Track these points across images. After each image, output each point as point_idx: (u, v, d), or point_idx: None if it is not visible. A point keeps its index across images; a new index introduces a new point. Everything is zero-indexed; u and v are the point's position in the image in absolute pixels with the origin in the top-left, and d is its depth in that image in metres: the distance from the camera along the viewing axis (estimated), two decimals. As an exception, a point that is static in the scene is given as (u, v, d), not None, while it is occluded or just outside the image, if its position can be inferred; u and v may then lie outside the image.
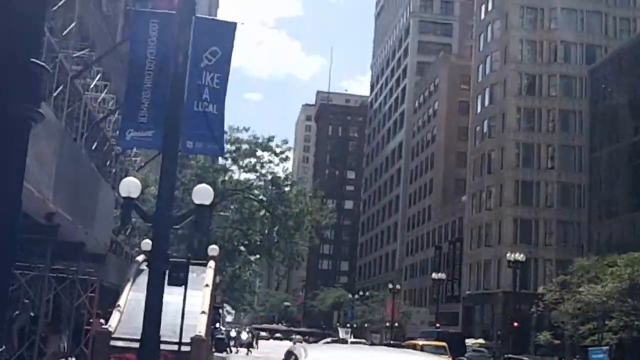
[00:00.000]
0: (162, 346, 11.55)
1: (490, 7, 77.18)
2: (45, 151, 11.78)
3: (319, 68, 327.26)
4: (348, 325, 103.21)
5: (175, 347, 15.30)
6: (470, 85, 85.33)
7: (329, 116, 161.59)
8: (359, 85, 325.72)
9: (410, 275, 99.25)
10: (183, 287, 16.61)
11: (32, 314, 18.23)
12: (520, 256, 48.51)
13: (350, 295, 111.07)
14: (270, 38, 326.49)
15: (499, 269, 68.71)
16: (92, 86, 30.75)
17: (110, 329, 17.10)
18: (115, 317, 17.79)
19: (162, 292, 11.15)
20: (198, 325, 17.20)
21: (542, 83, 70.56)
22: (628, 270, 34.68)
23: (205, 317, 17.87)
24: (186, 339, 16.09)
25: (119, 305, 18.10)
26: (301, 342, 61.75)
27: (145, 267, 20.97)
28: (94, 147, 30.30)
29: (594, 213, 55.27)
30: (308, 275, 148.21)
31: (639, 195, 50.95)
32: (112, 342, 16.62)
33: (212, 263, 21.45)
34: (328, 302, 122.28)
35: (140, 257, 20.57)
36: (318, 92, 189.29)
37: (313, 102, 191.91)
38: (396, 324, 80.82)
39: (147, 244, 21.33)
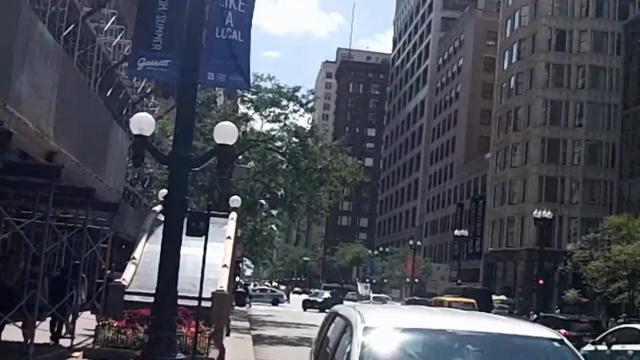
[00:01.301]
0: (180, 301, 10.35)
1: (521, -40, 74.25)
2: (42, 80, 10.48)
3: (336, 26, 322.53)
4: (367, 280, 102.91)
5: (195, 303, 14.11)
6: (496, 41, 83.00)
7: (350, 73, 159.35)
8: (378, 44, 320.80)
9: (431, 232, 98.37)
10: (203, 238, 15.49)
11: (57, 272, 17.28)
12: (547, 213, 47.00)
13: (369, 251, 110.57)
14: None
15: (522, 227, 67.53)
16: (106, 29, 29.48)
17: (124, 282, 16.02)
18: (129, 270, 16.73)
19: (180, 242, 9.97)
20: (220, 280, 16.10)
21: (573, 38, 68.07)
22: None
23: (227, 271, 16.77)
24: (207, 293, 14.96)
25: (134, 258, 17.02)
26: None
27: (163, 218, 19.88)
28: (108, 94, 29.14)
29: (624, 171, 53.42)
30: (327, 231, 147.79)
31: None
32: (127, 297, 15.57)
33: (233, 214, 20.27)
34: (347, 258, 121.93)
35: (158, 207, 19.40)
36: (339, 49, 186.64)
37: (333, 60, 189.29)
38: (416, 280, 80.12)
39: (164, 193, 20.18)
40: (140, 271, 16.44)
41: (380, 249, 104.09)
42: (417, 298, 43.19)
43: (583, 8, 68.26)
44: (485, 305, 35.17)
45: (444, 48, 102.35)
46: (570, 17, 68.35)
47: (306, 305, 55.06)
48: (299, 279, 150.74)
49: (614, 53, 66.02)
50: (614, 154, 63.51)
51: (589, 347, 18.90)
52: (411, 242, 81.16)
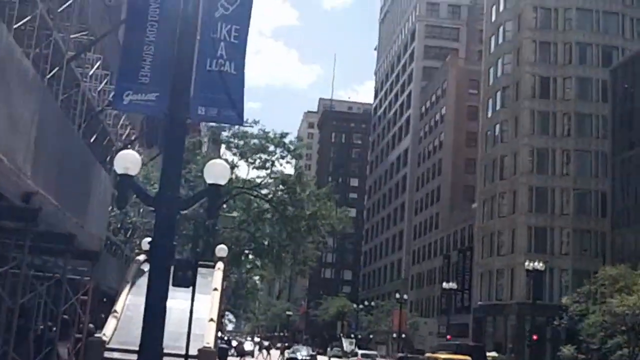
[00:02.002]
0: (165, 359, 9.25)
1: (502, 8, 74.98)
2: (20, 112, 9.48)
3: (315, 77, 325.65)
4: (352, 335, 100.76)
5: (180, 360, 12.96)
6: (478, 89, 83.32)
7: (332, 123, 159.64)
8: (357, 95, 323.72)
9: (417, 285, 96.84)
10: (190, 289, 14.40)
11: (49, 323, 16.06)
12: (539, 265, 46.08)
13: (354, 305, 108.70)
14: (267, 48, 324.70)
15: (512, 279, 66.38)
16: (91, 74, 28.65)
17: (104, 337, 14.80)
18: (110, 324, 15.50)
19: (166, 293, 8.91)
20: (205, 335, 14.91)
21: (557, 85, 68.20)
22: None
23: (213, 326, 15.59)
24: (192, 350, 13.81)
25: (115, 311, 15.80)
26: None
27: (147, 269, 18.73)
28: (92, 139, 28.15)
29: (616, 221, 52.72)
30: (310, 284, 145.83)
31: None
32: (107, 354, 14.34)
33: (220, 264, 19.13)
34: (331, 312, 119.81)
35: (141, 257, 18.28)
36: (320, 100, 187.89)
37: (315, 110, 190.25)
38: (403, 335, 78.32)
39: (148, 241, 19.08)
40: (122, 325, 15.24)
41: (365, 302, 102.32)
42: (410, 355, 41.68)
43: (566, 55, 68.48)
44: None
45: (426, 97, 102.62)
46: (553, 64, 68.50)
47: None
48: (282, 334, 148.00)
49: (599, 100, 65.98)
50: (603, 202, 62.81)
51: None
52: (397, 295, 79.55)
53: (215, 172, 8.95)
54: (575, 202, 66.03)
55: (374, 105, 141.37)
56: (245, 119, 33.02)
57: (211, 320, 15.61)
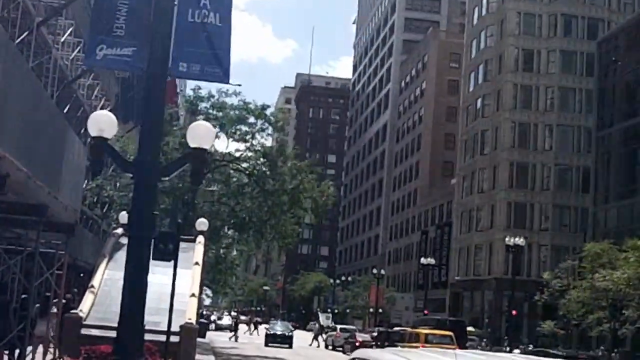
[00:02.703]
0: (145, 335, 8.51)
1: (485, -21, 73.92)
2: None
3: (291, 52, 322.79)
4: (329, 310, 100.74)
5: (160, 337, 12.19)
6: (460, 63, 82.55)
7: (309, 98, 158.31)
8: (332, 70, 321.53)
9: (394, 260, 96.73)
10: (169, 263, 13.67)
11: (23, 296, 15.25)
12: (520, 240, 45.77)
13: (331, 281, 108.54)
14: (241, 21, 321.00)
15: (490, 255, 66.27)
16: (62, 40, 27.50)
17: (81, 314, 14.00)
18: (87, 300, 14.70)
19: (147, 266, 8.15)
20: (187, 311, 14.17)
21: (541, 59, 67.25)
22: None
23: (195, 301, 14.85)
24: (174, 326, 13.07)
25: (92, 286, 14.99)
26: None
27: (124, 242, 17.88)
28: (65, 110, 27.09)
29: (599, 196, 52.38)
30: (287, 260, 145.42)
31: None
32: (84, 331, 13.55)
33: (201, 238, 18.34)
34: (308, 287, 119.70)
35: (119, 230, 17.44)
36: (298, 75, 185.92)
37: (292, 85, 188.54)
38: (380, 310, 78.22)
39: (125, 216, 18.23)
40: (99, 301, 14.44)
41: (342, 278, 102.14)
42: (390, 330, 41.12)
43: (551, 27, 67.40)
44: (460, 338, 33.51)
45: (406, 71, 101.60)
46: (537, 36, 67.46)
47: (269, 340, 47.03)
48: (258, 308, 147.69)
49: (583, 74, 65.05)
50: (585, 178, 62.24)
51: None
52: (374, 270, 79.31)
53: (199, 134, 8.12)
54: (556, 177, 65.70)
55: (352, 80, 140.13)
56: (225, 90, 32.07)
57: (192, 295, 14.86)
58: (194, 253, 17.15)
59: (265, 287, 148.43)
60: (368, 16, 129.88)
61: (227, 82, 8.64)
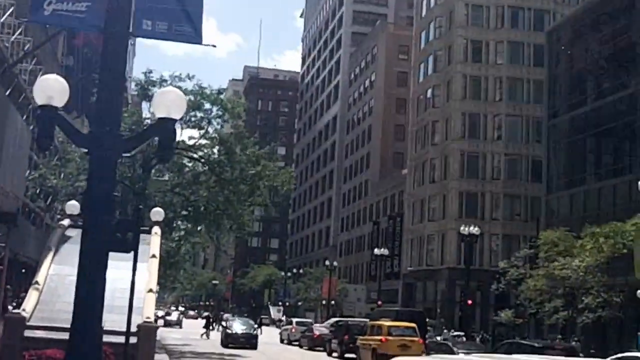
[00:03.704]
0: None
1: (434, -29, 73.90)
2: None
3: (235, 46, 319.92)
4: (280, 303, 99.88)
5: (115, 339, 10.98)
6: (408, 55, 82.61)
7: (258, 90, 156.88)
8: (277, 64, 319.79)
9: (346, 251, 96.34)
10: (123, 255, 12.54)
11: None
12: (474, 229, 45.49)
13: (282, 273, 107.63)
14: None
15: (442, 244, 66.33)
16: (2, 21, 25.79)
17: (24, 314, 12.67)
18: (31, 297, 13.36)
19: (105, 256, 7.03)
20: (145, 308, 12.99)
21: (489, 50, 67.80)
22: (610, 241, 32.02)
23: (153, 297, 13.68)
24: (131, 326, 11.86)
25: (36, 282, 13.65)
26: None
27: (72, 234, 16.52)
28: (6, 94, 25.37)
29: (551, 184, 52.70)
30: (237, 253, 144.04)
31: (602, 164, 48.64)
32: (27, 332, 12.23)
33: (157, 229, 17.11)
34: (259, 280, 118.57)
35: (66, 222, 16.07)
36: (246, 67, 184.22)
37: (240, 77, 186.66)
38: (332, 302, 77.66)
39: (73, 206, 16.88)
40: (44, 298, 13.14)
41: (294, 270, 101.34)
42: (350, 322, 40.25)
43: (498, 19, 67.91)
44: (420, 329, 32.93)
45: (355, 63, 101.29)
46: (485, 28, 67.89)
47: (228, 340, 40.79)
48: (207, 303, 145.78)
49: (531, 64, 65.96)
50: (534, 168, 62.96)
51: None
52: (327, 262, 78.72)
53: (167, 102, 7.00)
54: (506, 167, 66.20)
55: (301, 73, 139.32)
56: (178, 74, 30.69)
57: (150, 291, 13.68)
58: (149, 245, 15.91)
59: (215, 281, 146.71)
60: (316, 9, 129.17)
61: (200, 43, 7.54)
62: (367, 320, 38.79)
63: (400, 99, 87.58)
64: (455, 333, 45.69)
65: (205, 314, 74.79)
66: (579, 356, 21.02)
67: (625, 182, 43.74)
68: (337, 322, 45.24)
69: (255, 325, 46.14)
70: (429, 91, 72.06)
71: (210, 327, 53.84)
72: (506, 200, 65.67)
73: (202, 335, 50.77)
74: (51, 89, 6.81)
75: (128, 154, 7.48)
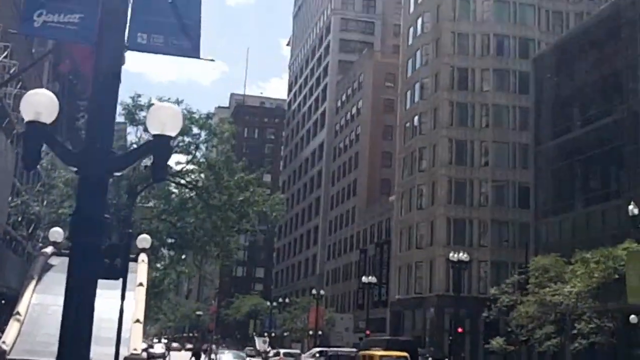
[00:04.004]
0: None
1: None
2: None
3: (220, 74, 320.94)
4: (265, 334, 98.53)
5: (102, 371, 10.44)
6: (395, 82, 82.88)
7: (244, 118, 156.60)
8: (262, 92, 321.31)
9: (333, 280, 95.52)
10: (108, 283, 12.03)
11: None
12: (463, 256, 45.18)
13: (268, 303, 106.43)
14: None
15: (431, 272, 65.83)
16: (-16, 45, 25.36)
17: (4, 346, 12.06)
18: (12, 329, 12.74)
19: (94, 283, 6.56)
20: (132, 340, 12.41)
21: (475, 77, 68.12)
22: (601, 266, 31.74)
23: (140, 328, 13.11)
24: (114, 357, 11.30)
25: (17, 313, 13.04)
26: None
27: (55, 263, 15.94)
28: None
29: (539, 210, 52.60)
30: (221, 283, 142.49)
31: (590, 189, 48.65)
32: (8, 366, 11.64)
33: (144, 256, 16.55)
34: (244, 311, 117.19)
35: (49, 249, 15.50)
36: (232, 95, 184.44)
37: (226, 105, 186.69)
38: (320, 332, 76.71)
39: (56, 233, 16.32)
40: (26, 330, 12.53)
41: (280, 300, 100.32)
42: (340, 353, 39.51)
43: (484, 47, 68.41)
44: (412, 358, 32.36)
45: (342, 90, 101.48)
46: (471, 55, 68.33)
47: None
48: (190, 334, 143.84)
49: (516, 91, 66.29)
50: (521, 194, 63.08)
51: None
52: (313, 291, 77.88)
53: (162, 118, 6.58)
54: (493, 193, 66.11)
55: (287, 100, 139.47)
56: (166, 98, 30.31)
57: (137, 321, 13.11)
58: (136, 273, 15.34)
59: (199, 312, 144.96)
60: (303, 37, 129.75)
61: (198, 57, 7.13)
62: (354, 349, 38.01)
63: (387, 126, 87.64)
64: None
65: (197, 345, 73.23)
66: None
67: (613, 207, 43.75)
68: (319, 351, 44.68)
69: (245, 356, 44.69)
70: (416, 118, 72.16)
71: None
72: (494, 227, 65.46)
73: None
74: (40, 104, 6.40)
75: (119, 173, 7.03)
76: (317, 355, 46.25)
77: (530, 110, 58.13)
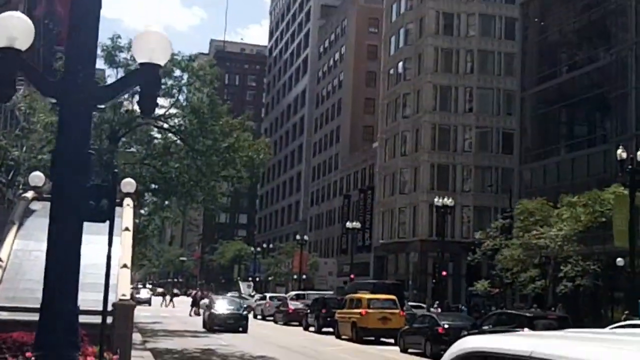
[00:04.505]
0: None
1: (405, -59, 72.77)
2: None
3: (198, 20, 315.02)
4: (250, 279, 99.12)
5: (88, 319, 10.04)
6: (379, 28, 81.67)
7: (225, 64, 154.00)
8: (242, 38, 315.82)
9: (316, 226, 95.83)
10: (91, 228, 11.54)
11: None
12: (448, 201, 45.09)
13: (252, 249, 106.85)
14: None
15: (414, 217, 66.03)
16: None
17: (-14, 293, 11.67)
18: (-7, 275, 12.33)
19: (80, 226, 6.10)
20: (120, 285, 12.04)
21: (461, 22, 67.16)
22: (588, 210, 31.74)
23: (128, 273, 12.74)
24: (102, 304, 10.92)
25: (-1, 259, 12.62)
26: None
27: (36, 208, 15.43)
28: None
29: (524, 156, 52.47)
30: (205, 229, 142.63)
31: (575, 135, 48.49)
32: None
33: (129, 200, 16.09)
34: (228, 256, 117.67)
35: (29, 194, 14.98)
36: (212, 41, 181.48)
37: (206, 51, 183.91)
38: (304, 276, 77.20)
39: (37, 177, 15.76)
40: (8, 277, 12.12)
41: (264, 245, 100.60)
42: (326, 297, 39.48)
43: (470, -10, 67.42)
44: (399, 301, 32.42)
45: (325, 36, 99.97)
46: (457, 0, 67.25)
47: (213, 323, 34.77)
48: (175, 280, 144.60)
49: (502, 37, 65.76)
50: (505, 139, 63.14)
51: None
52: (297, 237, 78.11)
53: (151, 44, 6.02)
54: (477, 139, 65.97)
55: (269, 46, 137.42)
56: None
57: (124, 266, 12.72)
58: (122, 218, 14.89)
59: (183, 258, 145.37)
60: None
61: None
62: (332, 292, 37.91)
63: (371, 72, 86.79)
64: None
65: (192, 292, 73.20)
66: (571, 325, 20.43)
67: (599, 152, 43.69)
68: (296, 294, 45.24)
69: (245, 305, 40.38)
70: (400, 64, 71.34)
71: (166, 302, 52.99)
72: (477, 172, 65.57)
73: (190, 314, 49.93)
74: (15, 28, 5.81)
75: (102, 107, 6.51)
76: (295, 297, 46.72)
77: (516, 56, 57.55)
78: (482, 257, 41.22)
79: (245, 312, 36.40)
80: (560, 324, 19.47)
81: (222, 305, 36.36)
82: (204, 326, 35.91)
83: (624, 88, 42.79)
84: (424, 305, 44.44)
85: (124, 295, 11.53)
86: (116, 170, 13.53)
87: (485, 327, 20.81)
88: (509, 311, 25.43)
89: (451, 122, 65.90)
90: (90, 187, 6.84)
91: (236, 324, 34.17)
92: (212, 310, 35.68)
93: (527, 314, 20.27)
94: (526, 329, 18.37)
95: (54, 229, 5.95)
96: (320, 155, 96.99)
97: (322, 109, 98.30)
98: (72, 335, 5.69)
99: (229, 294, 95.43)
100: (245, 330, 34.23)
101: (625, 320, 33.22)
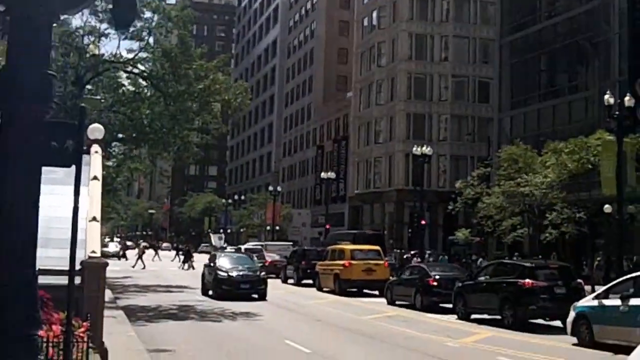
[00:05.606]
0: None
1: None
2: None
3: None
4: (221, 230, 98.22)
5: (52, 280, 8.77)
6: (352, -25, 79.58)
7: (192, 14, 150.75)
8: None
9: (289, 177, 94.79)
10: (59, 176, 10.36)
11: None
12: (427, 149, 44.08)
13: (223, 200, 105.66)
14: None
15: (390, 166, 65.21)
16: None
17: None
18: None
19: (38, 170, 4.72)
20: (89, 241, 10.75)
21: (437, -32, 65.46)
22: (575, 157, 30.96)
23: (97, 227, 11.44)
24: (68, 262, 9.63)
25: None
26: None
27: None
28: None
29: (503, 104, 51.51)
30: (173, 181, 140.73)
31: (556, 82, 47.49)
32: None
33: (97, 147, 14.67)
34: (198, 208, 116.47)
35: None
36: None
37: (172, 1, 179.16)
38: (277, 227, 76.31)
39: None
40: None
41: (235, 197, 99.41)
42: (306, 248, 38.47)
43: (446, -63, 65.56)
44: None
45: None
46: (433, -56, 65.57)
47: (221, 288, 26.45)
48: (144, 233, 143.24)
49: (479, -17, 64.38)
50: (482, 88, 62.29)
51: (591, 303, 15.13)
52: (270, 188, 77.03)
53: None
54: (453, 88, 64.92)
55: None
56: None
57: (94, 219, 11.41)
58: (89, 166, 13.49)
59: (151, 211, 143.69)
60: None
61: None
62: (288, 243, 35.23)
63: (343, 21, 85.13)
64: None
65: (181, 246, 71.56)
66: (573, 275, 19.67)
67: (581, 99, 42.86)
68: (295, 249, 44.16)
69: (259, 264, 32.93)
70: (374, 12, 69.69)
71: (188, 262, 50.94)
72: (454, 122, 64.73)
73: (181, 267, 48.83)
74: None
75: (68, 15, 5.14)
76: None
77: (494, 3, 56.18)
78: (462, 205, 40.48)
79: (263, 274, 28.08)
80: (562, 274, 18.70)
81: (231, 265, 27.55)
82: (204, 292, 27.85)
83: (607, 34, 41.82)
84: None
85: (93, 252, 10.26)
86: (83, 105, 12.09)
87: (482, 278, 20.07)
88: (508, 261, 24.58)
89: (427, 71, 64.65)
90: (53, 124, 5.45)
91: (252, 289, 26.19)
92: (218, 272, 26.74)
93: (527, 264, 19.37)
94: (528, 280, 17.60)
95: (5, 171, 4.61)
96: (292, 106, 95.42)
97: (293, 59, 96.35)
98: (31, 309, 4.42)
99: (202, 246, 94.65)
100: (264, 297, 26.32)
101: (597, 266, 33.32)
